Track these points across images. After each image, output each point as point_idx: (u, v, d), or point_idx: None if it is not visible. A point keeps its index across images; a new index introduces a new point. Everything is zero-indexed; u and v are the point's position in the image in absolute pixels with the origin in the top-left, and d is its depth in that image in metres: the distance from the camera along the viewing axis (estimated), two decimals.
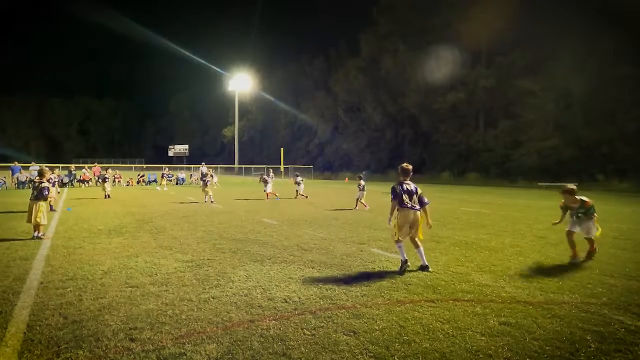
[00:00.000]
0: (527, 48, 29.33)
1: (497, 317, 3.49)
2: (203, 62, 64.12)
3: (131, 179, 27.17)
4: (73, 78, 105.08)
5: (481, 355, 2.79)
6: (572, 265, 5.37)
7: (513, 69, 30.75)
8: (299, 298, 4.01)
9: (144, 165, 47.11)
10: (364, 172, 39.03)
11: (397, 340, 3.03)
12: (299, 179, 17.68)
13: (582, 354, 2.81)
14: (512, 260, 5.67)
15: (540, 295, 4.14)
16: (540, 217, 10.62)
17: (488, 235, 7.65)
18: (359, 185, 12.50)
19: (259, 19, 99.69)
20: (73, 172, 25.29)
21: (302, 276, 4.80)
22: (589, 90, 26.22)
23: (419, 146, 39.91)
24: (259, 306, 3.78)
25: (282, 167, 44.26)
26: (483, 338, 3.07)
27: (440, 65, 35.86)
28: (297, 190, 17.23)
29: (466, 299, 4.01)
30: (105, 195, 15.87)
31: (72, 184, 24.35)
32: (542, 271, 5.06)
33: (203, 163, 28.28)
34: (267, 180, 16.13)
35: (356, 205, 12.39)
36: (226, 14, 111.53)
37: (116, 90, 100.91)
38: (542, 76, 28.52)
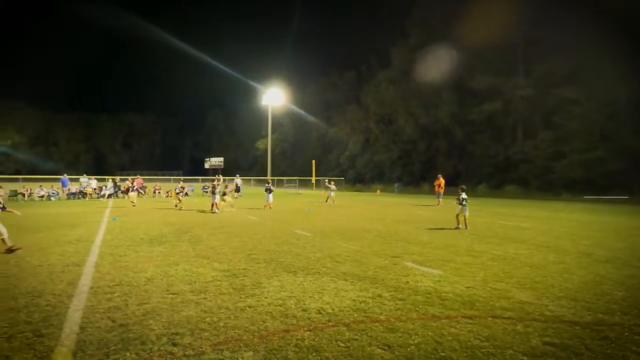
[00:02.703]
0: (567, 56, 28.07)
1: (541, 337, 3.34)
2: (239, 76, 66.46)
3: (170, 190, 28.39)
4: (119, 95, 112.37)
5: None
6: (620, 284, 5.02)
7: (552, 77, 29.45)
8: (333, 310, 4.03)
9: (182, 178, 49.04)
10: (397, 185, 38.54)
11: (433, 356, 2.98)
12: (332, 185, 21.18)
13: None
14: (555, 277, 5.39)
15: (588, 315, 3.91)
16: (587, 232, 10.01)
17: (528, 251, 7.32)
18: (458, 199, 10.67)
19: (293, 36, 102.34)
20: (118, 184, 26.79)
21: (335, 288, 4.82)
22: (636, 98, 24.59)
23: (453, 158, 38.87)
24: (293, 316, 3.83)
25: (313, 179, 44.60)
26: (525, 358, 2.95)
27: (473, 74, 35.06)
28: (328, 195, 20.59)
29: (506, 316, 3.86)
30: (132, 204, 18.14)
31: (117, 195, 25.77)
32: (590, 290, 4.77)
33: (237, 175, 29.06)
34: (213, 191, 15.37)
35: (457, 223, 10.70)
36: (261, 31, 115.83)
37: (157, 106, 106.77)
38: (583, 84, 27.12)
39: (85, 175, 27.39)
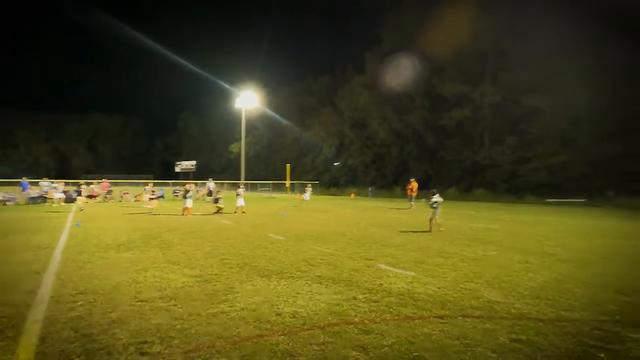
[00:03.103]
0: (532, 65, 29.51)
1: (508, 334, 3.46)
2: (212, 78, 65.35)
3: (139, 194, 27.39)
4: (83, 95, 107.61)
5: None
6: (580, 282, 5.29)
7: (518, 85, 30.87)
8: (307, 313, 4.00)
9: (152, 181, 47.52)
10: (370, 189, 39.02)
11: (407, 357, 3.01)
12: (307, 189, 21.90)
13: None
14: (521, 276, 5.61)
15: (551, 312, 4.09)
16: (550, 233, 10.51)
17: (496, 252, 7.59)
18: (430, 201, 10.74)
19: (267, 39, 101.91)
20: (82, 188, 25.57)
21: (310, 291, 4.80)
22: (598, 106, 26.18)
23: (424, 162, 39.86)
24: (267, 321, 3.78)
25: (288, 182, 44.43)
26: (494, 355, 3.04)
27: (444, 81, 36.23)
28: (302, 199, 21.00)
29: (476, 315, 3.98)
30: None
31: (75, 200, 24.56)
32: (553, 288, 5.00)
33: (210, 179, 28.51)
34: (185, 195, 15.60)
35: (431, 226, 10.64)
36: (235, 33, 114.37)
37: (125, 107, 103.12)
38: (548, 92, 28.61)
39: (46, 178, 26.01)
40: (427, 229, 10.63)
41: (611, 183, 24.66)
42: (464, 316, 3.94)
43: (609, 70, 25.30)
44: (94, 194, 25.66)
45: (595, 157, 26.08)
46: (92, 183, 27.76)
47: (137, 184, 42.97)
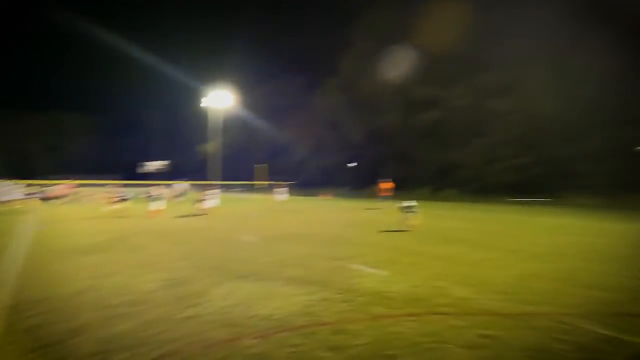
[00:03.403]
0: (500, 69, 30.71)
1: (475, 330, 3.56)
2: (183, 77, 63.67)
3: (106, 196, 26.32)
4: (44, 92, 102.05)
5: None
6: (542, 278, 5.54)
7: (487, 89, 32.08)
8: (279, 315, 3.97)
9: (120, 182, 45.81)
10: (345, 189, 39.28)
11: (377, 356, 3.05)
12: (282, 190, 22.44)
13: None
14: (488, 273, 5.81)
15: (515, 307, 4.25)
16: (515, 231, 10.96)
17: (465, 250, 7.82)
18: (403, 207, 11.02)
19: (240, 37, 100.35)
20: (44, 189, 24.33)
21: (283, 293, 4.76)
22: (557, 111, 27.61)
23: (398, 163, 40.59)
24: (239, 324, 3.72)
25: (262, 183, 44.02)
26: (462, 351, 3.12)
27: (416, 85, 37.11)
28: (279, 200, 21.39)
29: (445, 312, 4.07)
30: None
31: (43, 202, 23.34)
32: (518, 284, 5.21)
33: (181, 180, 27.79)
34: (155, 196, 15.63)
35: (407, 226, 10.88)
36: (207, 31, 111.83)
37: (92, 105, 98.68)
38: (513, 96, 29.88)
39: (6, 179, 24.49)
40: (403, 229, 10.78)
41: (572, 183, 26.05)
42: (435, 313, 4.03)
43: (572, 75, 26.73)
44: (58, 195, 24.44)
45: (557, 159, 27.48)
46: (56, 184, 26.44)
47: (105, 185, 41.27)
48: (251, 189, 42.57)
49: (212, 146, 46.32)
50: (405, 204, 10.92)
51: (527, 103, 29.22)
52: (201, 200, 16.50)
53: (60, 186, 25.87)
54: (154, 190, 16.12)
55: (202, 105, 45.39)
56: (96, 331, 3.54)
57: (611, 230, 11.56)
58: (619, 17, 23.58)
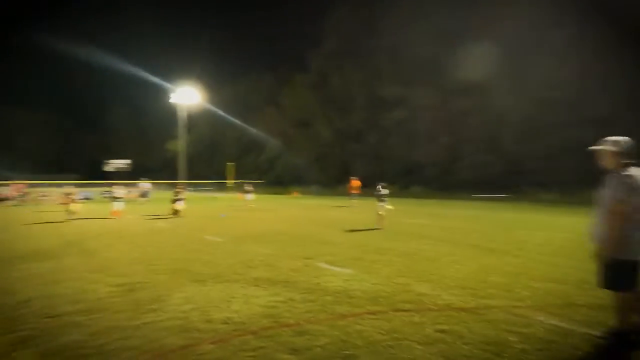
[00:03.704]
0: (462, 69, 31.79)
1: (433, 325, 3.64)
2: (145, 73, 61.09)
3: (63, 196, 24.88)
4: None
5: None
6: (499, 271, 5.77)
7: (452, 89, 33.15)
8: (240, 318, 3.88)
9: (79, 182, 43.43)
10: (314, 187, 39.36)
11: (338, 356, 3.04)
12: (249, 188, 21.43)
13: (506, 354, 3.02)
14: (448, 268, 5.98)
15: (473, 301, 4.40)
16: (476, 226, 11.38)
17: (428, 245, 8.02)
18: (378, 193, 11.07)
19: (207, 33, 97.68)
20: None
21: (245, 295, 4.67)
22: (516, 111, 29.03)
23: (366, 161, 41.13)
24: (196, 330, 3.59)
25: (231, 182, 43.24)
26: (419, 347, 3.18)
27: (384, 84, 37.74)
28: (246, 199, 20.93)
29: (406, 309, 4.14)
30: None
31: None
32: (475, 278, 5.39)
33: (143, 179, 26.76)
34: (115, 197, 15.14)
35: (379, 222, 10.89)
36: (172, 25, 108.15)
37: (47, 101, 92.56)
38: (475, 96, 31.09)
39: None
40: (372, 227, 10.89)
41: (530, 180, 27.48)
42: (396, 310, 4.09)
43: (532, 76, 28.16)
44: (7, 197, 22.83)
45: (516, 157, 28.89)
46: (5, 184, 24.68)
47: (62, 185, 38.99)
48: (220, 187, 41.65)
49: (179, 144, 44.87)
50: (382, 191, 10.97)
51: (489, 103, 30.49)
52: (174, 200, 15.57)
53: (10, 187, 24.18)
54: (115, 190, 15.36)
55: (170, 102, 43.84)
56: (40, 343, 3.31)
57: (564, 224, 12.28)
58: (579, 20, 25.10)
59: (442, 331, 3.49)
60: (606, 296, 4.44)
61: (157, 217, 14.75)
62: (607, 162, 3.32)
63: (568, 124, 26.13)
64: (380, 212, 10.93)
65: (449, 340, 3.28)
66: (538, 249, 7.64)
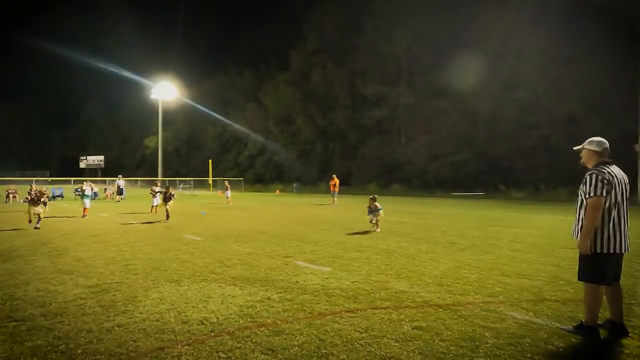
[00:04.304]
0: (441, 69, 32.36)
1: (411, 322, 3.67)
2: (119, 69, 59.13)
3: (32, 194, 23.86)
4: None
5: None
6: (474, 268, 5.90)
7: (429, 88, 33.68)
8: (217, 319, 3.80)
9: (49, 179, 41.76)
10: (295, 185, 39.21)
11: (315, 355, 3.01)
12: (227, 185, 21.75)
13: (481, 350, 3.07)
14: (426, 265, 6.07)
15: (449, 297, 4.47)
16: (453, 224, 11.61)
17: (407, 243, 8.12)
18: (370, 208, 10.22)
19: (184, 29, 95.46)
20: None
21: (222, 294, 4.58)
22: (492, 111, 29.82)
23: (347, 159, 41.34)
24: (171, 331, 3.50)
25: (210, 179, 42.61)
26: (397, 344, 3.20)
27: (365, 82, 37.96)
28: (226, 197, 21.42)
29: (384, 306, 4.16)
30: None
31: None
32: (452, 275, 5.49)
33: (120, 176, 25.98)
34: (83, 194, 14.66)
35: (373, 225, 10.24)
36: (147, 20, 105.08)
37: (14, 94, 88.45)
38: (453, 96, 31.72)
39: None
40: (352, 225, 10.93)
41: (502, 178, 28.30)
42: (374, 308, 4.11)
43: (502, 78, 28.93)
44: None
45: (489, 156, 29.68)
46: None
47: (31, 182, 37.36)
48: (197, 185, 40.93)
49: (157, 140, 43.79)
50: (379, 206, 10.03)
51: (466, 103, 31.17)
52: (152, 196, 15.11)
53: None
54: (87, 187, 14.84)
55: (149, 97, 42.72)
56: (6, 348, 3.13)
57: (536, 221, 12.69)
58: (553, 22, 25.93)
59: (420, 328, 3.52)
60: (576, 291, 4.64)
61: (131, 214, 14.35)
62: (588, 161, 3.53)
63: (538, 124, 27.08)
64: (373, 222, 10.04)
65: (426, 337, 3.32)
66: (510, 246, 7.86)
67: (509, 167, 28.67)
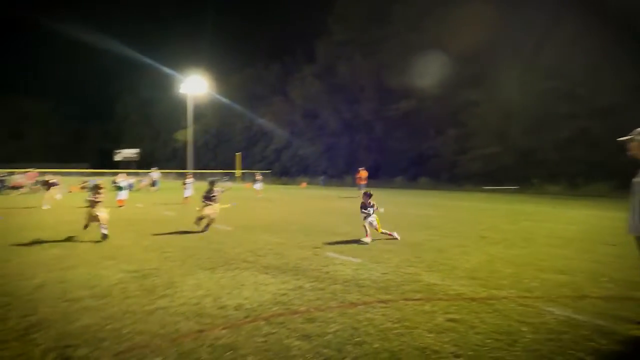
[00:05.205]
0: (471, 60, 31.30)
1: (444, 314, 3.64)
2: (151, 62, 61.08)
3: (73, 185, 25.24)
4: (5, 76, 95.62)
5: (428, 352, 2.90)
6: (508, 262, 5.75)
7: (459, 79, 32.66)
8: (252, 305, 3.92)
9: (88, 171, 44.03)
10: (322, 178, 39.32)
11: (349, 342, 3.06)
12: (258, 178, 22.18)
13: (519, 344, 3.01)
14: (457, 259, 5.97)
15: (483, 291, 4.39)
16: (484, 218, 11.32)
17: (437, 236, 8.00)
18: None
19: (213, 22, 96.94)
20: (3, 178, 23.03)
21: (255, 282, 4.71)
22: (525, 102, 28.57)
23: (373, 152, 40.95)
24: (208, 315, 3.64)
25: (238, 172, 43.43)
26: (430, 335, 3.19)
27: (392, 74, 37.28)
28: (255, 188, 21.79)
29: (416, 298, 4.15)
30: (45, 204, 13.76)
31: (1, 192, 22.12)
32: (485, 269, 5.38)
33: (154, 169, 26.97)
34: (120, 186, 15.04)
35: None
36: (178, 15, 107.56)
37: (56, 90, 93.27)
38: (484, 87, 30.62)
39: None
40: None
41: (536, 172, 27.16)
42: (406, 299, 4.10)
43: (537, 68, 27.62)
44: (19, 185, 23.18)
45: (523, 149, 28.53)
46: (18, 172, 25.07)
47: (72, 174, 39.54)
48: (228, 177, 41.80)
49: (188, 134, 44.99)
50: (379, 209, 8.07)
51: (497, 94, 30.02)
52: (183, 189, 15.82)
53: (22, 175, 24.53)
54: (122, 179, 15.52)
55: (180, 92, 43.92)
56: (55, 327, 3.38)
57: (572, 216, 12.15)
58: (589, 10, 24.47)
59: (453, 320, 3.49)
60: (620, 288, 4.45)
61: (165, 205, 14.89)
62: (638, 153, 3.35)
63: (576, 115, 25.70)
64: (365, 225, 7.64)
65: (461, 330, 3.29)
66: (546, 241, 7.59)
67: (543, 160, 27.46)
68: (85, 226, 7.97)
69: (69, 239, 7.59)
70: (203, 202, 8.76)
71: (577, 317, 3.59)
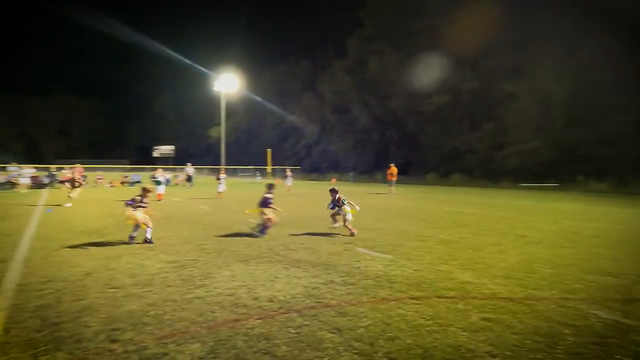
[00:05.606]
0: (510, 52, 29.93)
1: (479, 313, 3.56)
2: (188, 61, 63.16)
3: (114, 180, 26.72)
4: (53, 76, 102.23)
5: (463, 350, 2.85)
6: (549, 262, 5.49)
7: (496, 72, 31.33)
8: (285, 297, 4.01)
9: (129, 166, 46.41)
10: (351, 174, 39.20)
11: (381, 337, 3.06)
12: (288, 174, 22.20)
13: (560, 347, 2.89)
14: (493, 258, 5.78)
15: (521, 291, 4.24)
16: (522, 216, 10.86)
17: (471, 234, 7.78)
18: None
19: (245, 20, 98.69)
20: (53, 173, 24.68)
21: (288, 275, 4.80)
22: (568, 94, 26.96)
23: (404, 147, 40.23)
24: (243, 305, 3.76)
25: (269, 167, 44.09)
26: (465, 333, 3.13)
27: (426, 68, 36.35)
28: (284, 183, 22.05)
29: (449, 295, 4.07)
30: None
31: (52, 185, 23.72)
32: (523, 268, 5.18)
33: (189, 164, 27.93)
34: (158, 181, 15.88)
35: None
36: (212, 13, 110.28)
37: (98, 89, 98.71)
38: (523, 80, 29.20)
39: (15, 163, 24.87)
40: (411, 214, 10.71)
41: (581, 168, 25.62)
42: (438, 297, 4.04)
43: (581, 59, 25.97)
44: (67, 180, 24.74)
45: (565, 144, 26.98)
46: (65, 168, 26.80)
47: (113, 169, 41.77)
48: (260, 173, 42.57)
49: (221, 130, 46.18)
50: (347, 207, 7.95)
51: (536, 85, 28.56)
52: (217, 184, 16.30)
53: (70, 170, 26.19)
54: (158, 175, 16.21)
55: (213, 89, 45.15)
56: (103, 311, 3.61)
57: (619, 215, 11.41)
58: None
59: (489, 320, 3.40)
60: None
61: (200, 199, 15.40)
62: None
63: (622, 108, 23.96)
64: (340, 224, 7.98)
65: (497, 329, 3.20)
66: (590, 241, 7.18)
67: (588, 155, 25.83)
68: (131, 237, 6.87)
69: (112, 231, 8.04)
70: (266, 207, 7.65)
71: (625, 321, 3.40)
